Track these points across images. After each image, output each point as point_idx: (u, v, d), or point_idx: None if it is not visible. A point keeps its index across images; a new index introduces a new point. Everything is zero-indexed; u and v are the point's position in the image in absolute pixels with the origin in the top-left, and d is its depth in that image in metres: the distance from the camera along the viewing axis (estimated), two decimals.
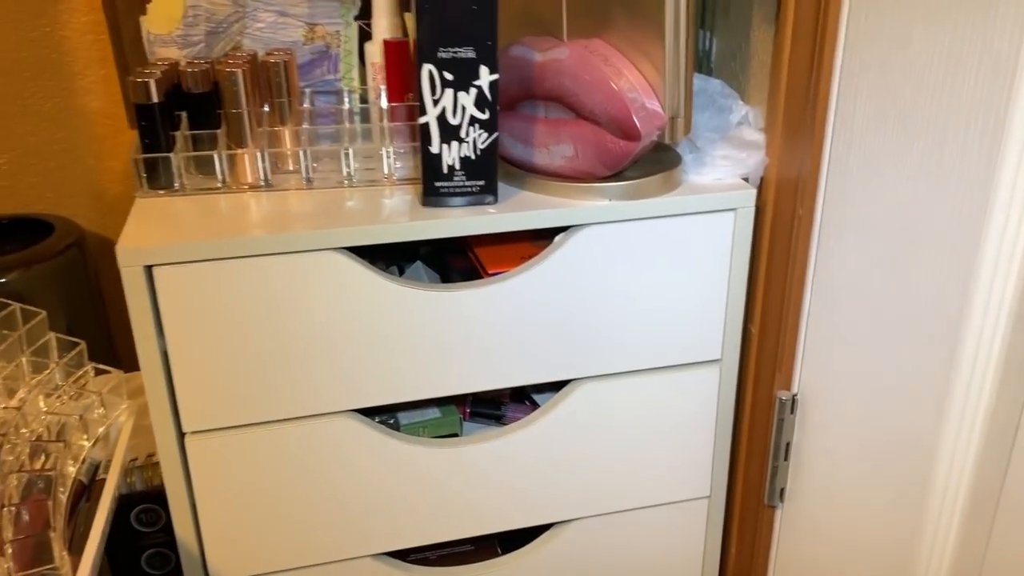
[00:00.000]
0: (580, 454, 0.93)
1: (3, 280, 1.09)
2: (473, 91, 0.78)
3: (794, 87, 0.83)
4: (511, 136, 0.87)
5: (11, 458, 0.81)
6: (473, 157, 0.80)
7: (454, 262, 0.93)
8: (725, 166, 0.88)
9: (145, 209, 0.82)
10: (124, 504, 0.99)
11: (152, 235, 0.76)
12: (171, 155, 0.83)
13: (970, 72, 0.70)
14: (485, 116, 0.79)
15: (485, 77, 0.77)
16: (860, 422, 0.86)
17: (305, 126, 0.88)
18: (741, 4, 0.91)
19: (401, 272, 0.94)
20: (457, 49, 0.76)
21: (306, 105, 0.92)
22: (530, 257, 0.86)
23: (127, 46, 1.04)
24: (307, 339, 0.81)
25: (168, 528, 0.96)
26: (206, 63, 0.86)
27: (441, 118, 0.78)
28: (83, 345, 0.93)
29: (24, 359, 0.90)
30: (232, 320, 0.78)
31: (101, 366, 0.95)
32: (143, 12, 0.94)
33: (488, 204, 0.82)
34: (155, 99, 0.82)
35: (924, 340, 0.79)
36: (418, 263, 0.92)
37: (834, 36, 0.76)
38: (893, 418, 0.82)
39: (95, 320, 1.21)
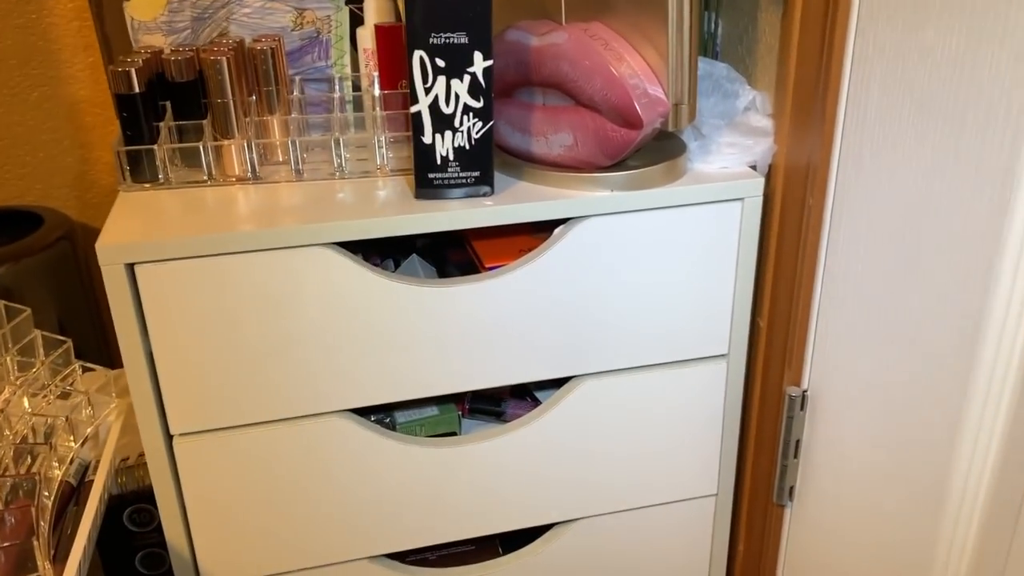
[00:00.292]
0: (583, 452, 0.90)
1: None
2: (467, 78, 0.74)
3: (804, 71, 0.79)
4: (507, 124, 0.84)
5: None
6: (467, 147, 0.77)
7: (451, 255, 0.90)
8: (732, 154, 0.84)
9: (128, 203, 0.79)
10: (116, 504, 0.97)
11: (134, 231, 0.73)
12: (155, 147, 0.80)
13: (991, 55, 0.66)
14: (479, 104, 0.75)
15: (479, 63, 0.74)
16: (873, 420, 0.82)
17: (294, 115, 0.85)
18: None
19: (397, 266, 0.91)
20: (449, 34, 0.72)
21: (295, 93, 0.89)
22: (529, 250, 0.83)
23: (112, 33, 1.00)
24: (298, 338, 0.78)
25: (162, 528, 0.94)
26: (190, 50, 0.83)
27: (434, 107, 0.75)
28: (69, 343, 0.90)
29: (9, 358, 0.87)
30: (219, 319, 0.75)
31: (88, 364, 0.92)
32: None
33: (484, 196, 0.79)
34: (137, 89, 0.78)
35: (942, 336, 0.76)
36: (413, 257, 0.89)
37: (846, 17, 0.72)
38: (908, 416, 0.79)
39: (87, 315, 1.18)
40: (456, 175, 0.78)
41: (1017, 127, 0.66)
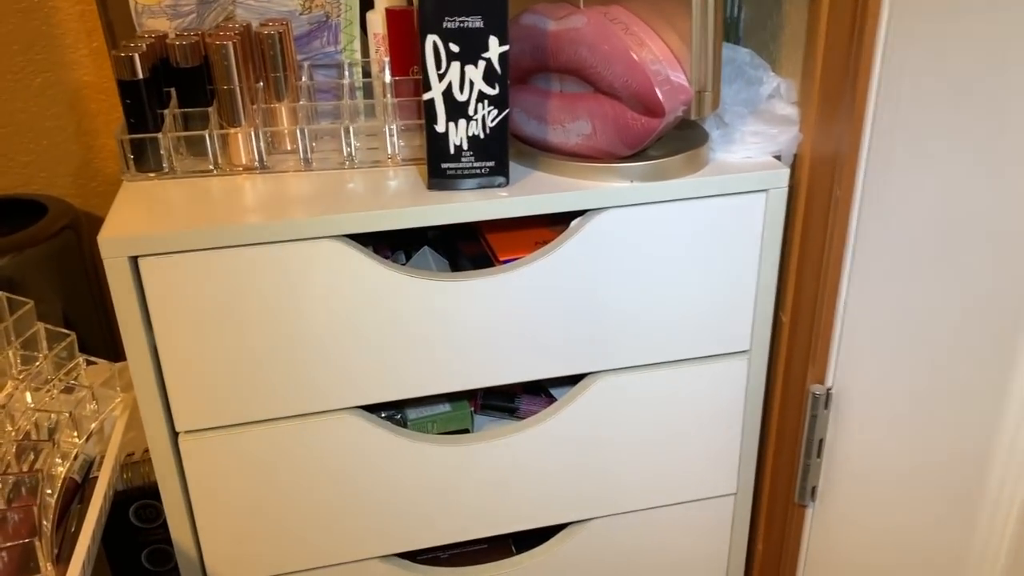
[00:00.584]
0: (599, 450, 0.88)
1: None
2: (482, 64, 0.71)
3: (832, 57, 0.76)
4: (523, 112, 0.81)
5: None
6: (482, 136, 0.74)
7: (464, 247, 0.87)
8: (755, 143, 0.81)
9: (132, 194, 0.76)
10: (122, 500, 0.96)
11: (138, 222, 0.70)
12: (159, 135, 0.78)
13: None
14: (495, 91, 0.72)
15: (495, 48, 0.71)
16: (902, 421, 0.80)
17: (303, 102, 0.82)
18: None
19: (408, 258, 0.88)
20: (464, 18, 0.69)
21: (304, 80, 0.86)
22: (545, 243, 0.80)
23: (115, 18, 0.97)
24: (307, 332, 0.75)
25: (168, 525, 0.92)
26: (195, 35, 0.80)
27: (447, 94, 0.72)
28: (73, 336, 0.88)
29: (11, 352, 0.85)
30: (226, 313, 0.73)
31: (92, 359, 0.90)
32: None
33: (499, 186, 0.76)
34: (140, 75, 0.76)
35: (979, 334, 0.73)
36: (425, 249, 0.86)
37: (878, 1, 0.69)
38: (941, 416, 0.76)
39: (92, 306, 1.16)
40: (470, 165, 0.75)
41: None
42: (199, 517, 0.81)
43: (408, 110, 0.84)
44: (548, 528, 0.92)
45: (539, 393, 0.94)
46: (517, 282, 0.78)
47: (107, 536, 0.97)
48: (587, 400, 0.85)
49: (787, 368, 0.89)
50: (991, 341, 0.72)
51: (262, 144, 0.79)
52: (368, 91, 0.88)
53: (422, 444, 0.83)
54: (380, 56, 0.88)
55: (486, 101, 0.73)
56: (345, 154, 0.81)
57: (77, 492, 0.84)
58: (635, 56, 0.72)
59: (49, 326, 0.88)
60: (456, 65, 0.71)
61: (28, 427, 0.81)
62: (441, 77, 0.71)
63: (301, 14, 0.88)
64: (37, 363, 0.86)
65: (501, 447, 0.85)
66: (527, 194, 0.75)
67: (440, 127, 0.73)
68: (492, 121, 0.74)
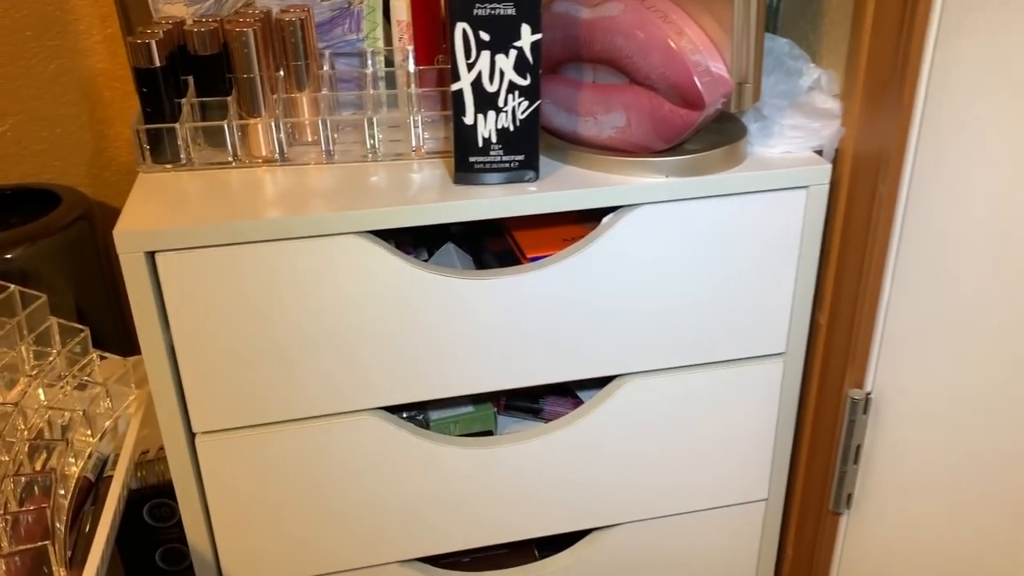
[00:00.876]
0: (626, 455, 0.85)
1: (8, 256, 1.02)
2: (513, 53, 0.68)
3: (879, 48, 0.72)
4: (553, 103, 0.78)
5: (6, 458, 0.74)
6: (512, 128, 0.71)
7: (489, 243, 0.84)
8: (796, 137, 0.78)
9: (148, 186, 0.73)
10: (136, 499, 0.93)
11: (155, 216, 0.68)
12: (176, 126, 0.75)
13: None
14: (526, 82, 0.69)
15: (527, 37, 0.68)
16: (948, 426, 0.77)
17: (324, 92, 0.79)
18: None
19: (430, 254, 0.85)
20: (495, 5, 0.66)
21: (325, 68, 0.83)
22: (573, 239, 0.77)
23: (130, 2, 0.95)
24: (328, 331, 0.73)
25: (183, 524, 0.90)
26: (214, 22, 0.77)
27: (476, 84, 0.69)
28: (87, 332, 0.86)
29: (24, 347, 0.83)
30: (244, 311, 0.70)
31: (106, 354, 0.88)
32: None
33: (528, 181, 0.73)
34: (157, 63, 0.73)
35: None
36: (449, 246, 0.83)
37: None
38: (990, 423, 0.73)
39: (105, 297, 1.14)
40: (499, 159, 0.72)
41: None
42: (215, 519, 0.79)
43: (433, 100, 0.81)
44: (572, 533, 0.90)
45: (565, 394, 0.91)
46: (546, 281, 0.75)
47: (121, 535, 0.95)
48: (616, 403, 0.82)
49: (823, 371, 0.86)
50: None
51: (282, 135, 0.76)
52: (390, 80, 0.85)
53: (445, 447, 0.80)
54: (404, 44, 0.85)
55: (517, 92, 0.70)
56: (368, 146, 0.78)
57: (91, 491, 0.82)
58: (674, 46, 0.68)
59: (62, 321, 0.85)
60: (486, 54, 0.68)
61: (41, 425, 0.79)
62: (470, 67, 0.68)
63: (323, 0, 0.84)
64: (50, 359, 0.84)
65: (526, 451, 0.82)
66: (558, 189, 0.72)
67: (468, 119, 0.70)
68: (523, 113, 0.70)
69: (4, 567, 0.66)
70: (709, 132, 0.77)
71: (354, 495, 0.80)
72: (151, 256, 0.67)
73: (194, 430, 0.75)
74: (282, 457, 0.77)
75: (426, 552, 0.85)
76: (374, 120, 0.77)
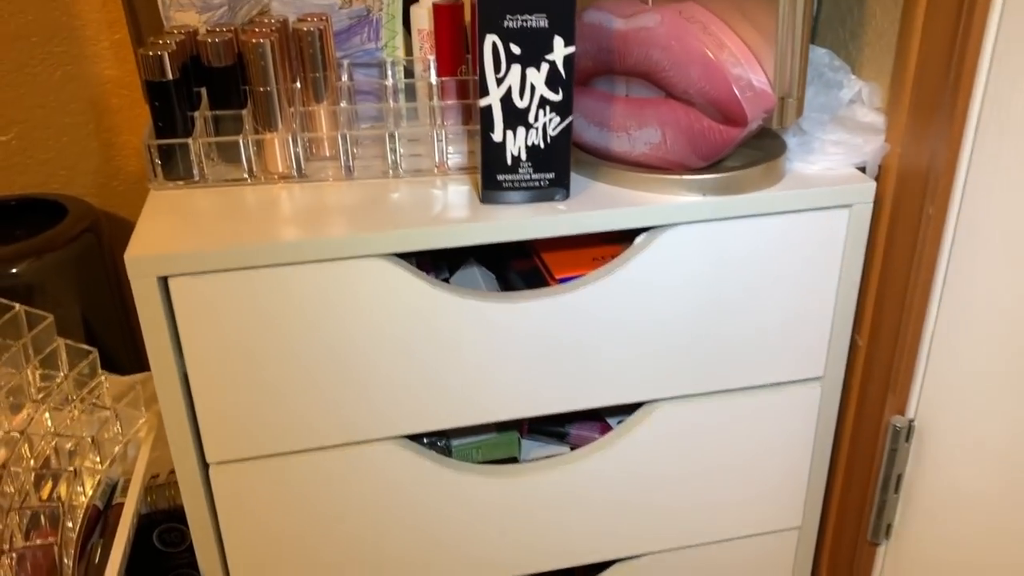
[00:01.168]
0: (657, 483, 0.81)
1: (13, 271, 0.99)
2: (545, 67, 0.65)
3: (928, 59, 0.68)
4: (582, 116, 0.74)
5: (12, 490, 0.71)
6: (542, 145, 0.68)
7: (513, 262, 0.80)
8: (837, 153, 0.74)
9: (160, 204, 0.70)
10: (146, 524, 0.90)
11: (168, 238, 0.64)
12: (189, 141, 0.72)
13: None
14: (558, 97, 0.66)
15: (560, 50, 0.64)
16: (994, 458, 0.73)
17: (343, 105, 0.76)
18: None
19: (451, 270, 0.82)
20: (527, 16, 0.63)
21: (344, 79, 0.80)
22: (603, 259, 0.74)
23: (140, 7, 0.91)
24: (348, 357, 0.69)
25: (194, 548, 0.87)
26: (228, 31, 0.74)
27: (506, 100, 0.65)
28: (95, 353, 0.83)
29: (30, 370, 0.79)
30: (262, 336, 0.67)
31: (116, 376, 0.84)
32: None
33: (558, 200, 0.70)
34: (170, 75, 0.70)
35: None
36: (473, 267, 0.80)
37: None
38: None
39: (112, 310, 1.11)
40: (528, 177, 0.69)
41: None
42: (229, 550, 0.76)
43: (453, 113, 0.78)
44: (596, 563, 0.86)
45: (591, 417, 0.88)
46: (577, 304, 0.71)
47: (129, 561, 0.92)
48: (647, 429, 0.79)
49: (861, 395, 0.82)
50: None
51: (300, 150, 0.73)
52: (410, 92, 0.82)
53: (470, 475, 0.77)
54: (424, 54, 0.82)
55: (548, 107, 0.66)
56: (389, 162, 0.74)
57: (99, 519, 0.78)
58: (715, 59, 0.65)
59: (70, 342, 0.82)
60: (517, 68, 0.64)
61: (48, 452, 0.76)
62: (500, 81, 0.65)
63: (341, 7, 0.81)
64: (58, 382, 0.81)
65: (554, 479, 0.79)
66: (590, 209, 0.68)
67: (497, 136, 0.67)
68: (554, 129, 0.67)
69: None
70: (747, 147, 0.73)
71: (373, 525, 0.77)
72: (164, 281, 0.64)
73: (208, 460, 0.71)
74: (299, 487, 0.74)
75: None
76: (396, 135, 0.73)
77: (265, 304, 0.66)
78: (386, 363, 0.70)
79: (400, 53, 0.84)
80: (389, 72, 0.81)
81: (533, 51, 0.64)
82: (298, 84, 0.76)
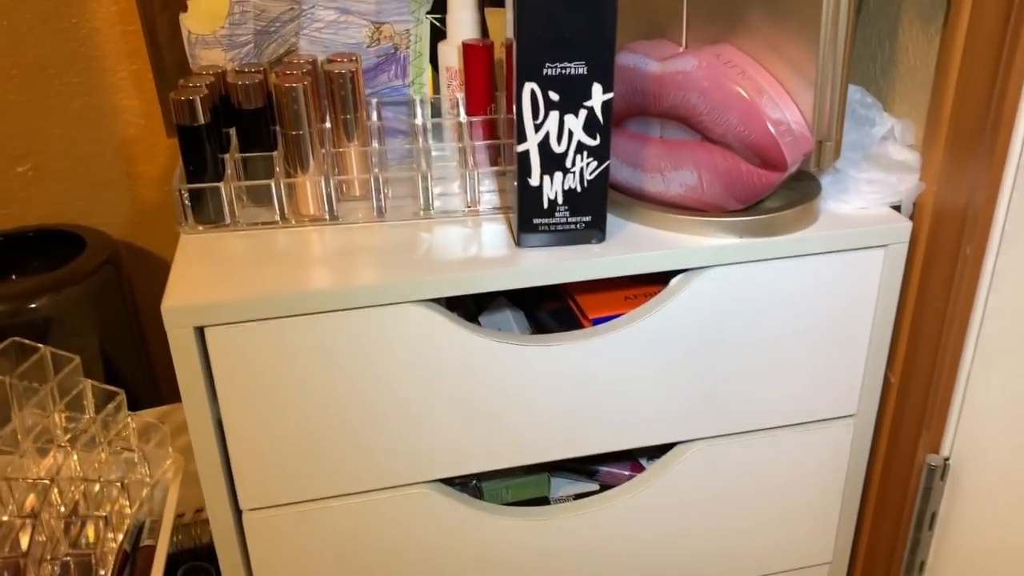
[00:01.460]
0: (689, 522, 0.81)
1: (32, 306, 0.98)
2: (583, 113, 0.64)
3: (967, 97, 0.68)
4: (615, 157, 0.74)
5: (43, 538, 0.70)
6: (579, 189, 0.67)
7: (543, 302, 0.80)
8: (872, 192, 0.74)
9: (192, 250, 0.70)
10: (171, 564, 0.89)
11: (203, 287, 0.64)
12: (221, 185, 0.71)
13: None
14: (595, 142, 0.65)
15: (598, 96, 0.64)
16: None
17: (375, 145, 0.75)
18: None
19: (477, 306, 0.81)
20: (566, 64, 0.62)
21: (373, 119, 0.79)
22: (635, 299, 0.73)
23: (163, 44, 0.91)
24: (382, 402, 0.69)
25: None
26: (258, 73, 0.73)
27: (543, 145, 0.65)
28: (122, 395, 0.82)
29: (57, 413, 0.79)
30: (297, 383, 0.66)
31: (148, 419, 0.84)
32: (181, 5, 0.80)
33: (594, 243, 0.69)
34: (201, 120, 0.69)
35: None
36: (505, 309, 0.79)
37: None
38: None
39: (132, 345, 1.10)
40: (564, 220, 0.68)
41: None
42: None
43: (482, 153, 0.77)
44: None
45: (621, 456, 0.87)
46: (612, 344, 0.71)
47: None
48: (680, 470, 0.78)
49: (893, 433, 0.82)
50: None
51: (332, 191, 0.73)
52: (437, 130, 0.81)
53: (505, 519, 0.76)
54: (452, 92, 0.81)
55: (585, 152, 0.66)
56: (421, 203, 0.74)
57: (127, 562, 0.78)
58: (755, 105, 0.64)
59: (96, 383, 0.81)
60: (555, 115, 0.64)
61: (77, 497, 0.75)
62: (538, 128, 0.64)
63: (369, 46, 0.81)
64: (84, 423, 0.80)
65: (588, 520, 0.78)
66: (626, 252, 0.68)
67: (534, 180, 0.66)
68: (591, 174, 0.67)
69: None
70: (781, 188, 0.73)
71: (407, 570, 0.76)
72: (199, 330, 0.63)
73: (241, 507, 0.71)
74: (333, 532, 0.73)
75: None
76: (428, 176, 0.73)
77: (301, 351, 0.65)
78: (421, 407, 0.70)
79: (426, 90, 0.84)
80: (418, 111, 0.81)
81: (571, 98, 0.63)
82: (327, 124, 0.75)
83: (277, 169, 0.72)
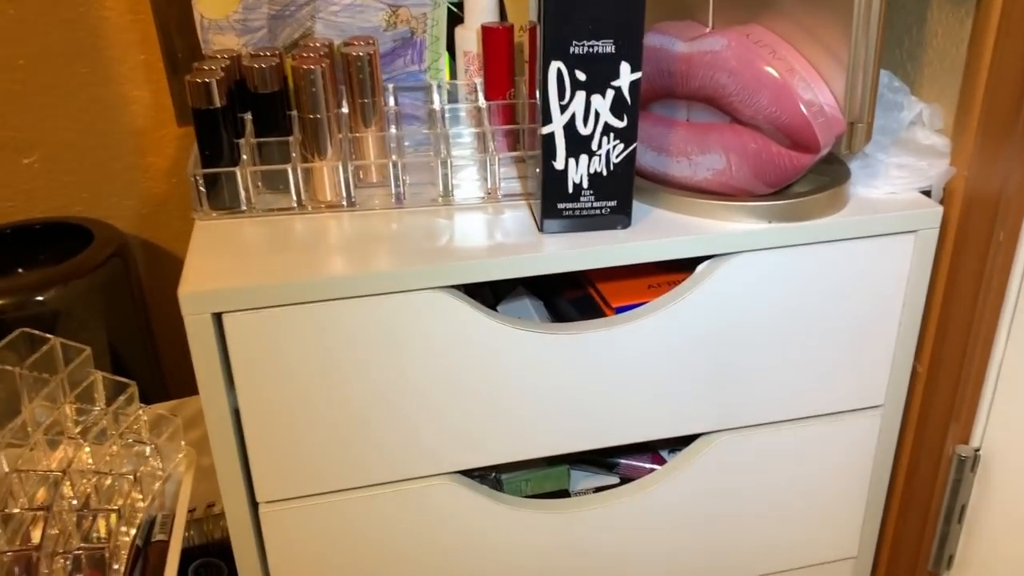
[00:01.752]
0: (711, 515, 0.79)
1: (39, 298, 0.97)
2: (610, 93, 0.63)
3: (999, 81, 0.67)
4: (641, 141, 0.72)
5: (56, 531, 0.68)
6: (605, 173, 0.65)
7: (563, 289, 0.78)
8: (901, 177, 0.72)
9: (207, 236, 0.68)
10: (183, 559, 0.87)
11: (219, 273, 0.62)
12: (237, 170, 0.69)
13: None
14: (623, 124, 0.64)
15: (626, 76, 0.62)
16: None
17: (393, 130, 0.74)
18: None
19: (495, 294, 0.79)
20: (594, 42, 0.61)
21: (390, 103, 0.77)
22: (659, 287, 0.72)
23: (174, 31, 0.90)
24: (403, 392, 0.67)
25: None
26: (274, 56, 0.71)
27: (569, 127, 0.63)
28: (134, 387, 0.80)
29: (68, 407, 0.77)
30: (316, 372, 0.65)
31: (159, 411, 0.82)
32: None
33: (619, 228, 0.68)
34: (217, 103, 0.67)
35: None
36: (524, 296, 0.77)
37: None
38: None
39: (140, 338, 1.08)
40: (589, 205, 0.67)
41: None
42: None
43: (501, 138, 0.76)
44: None
45: (641, 446, 0.85)
46: (636, 333, 0.69)
47: None
48: (704, 462, 0.76)
49: (920, 424, 0.80)
50: None
51: (349, 177, 0.71)
52: (454, 115, 0.80)
53: (525, 511, 0.74)
54: (470, 77, 0.80)
55: (612, 134, 0.64)
56: (440, 189, 0.72)
57: (139, 557, 0.76)
58: (786, 84, 0.63)
59: (107, 375, 0.80)
60: (582, 95, 0.62)
61: (89, 490, 0.74)
62: (564, 108, 0.63)
63: (385, 30, 0.79)
64: (95, 417, 0.78)
65: (611, 512, 0.77)
66: (652, 237, 0.66)
67: (559, 164, 0.65)
68: (617, 157, 0.65)
69: None
70: (810, 172, 0.71)
71: (427, 562, 0.74)
72: (217, 316, 0.62)
73: (258, 500, 0.69)
74: (351, 525, 0.71)
75: None
76: (448, 161, 0.71)
77: (319, 338, 0.64)
78: (442, 397, 0.68)
79: (443, 75, 0.82)
80: (436, 96, 0.79)
81: (599, 77, 0.62)
82: (344, 109, 0.73)
83: (294, 154, 0.70)
